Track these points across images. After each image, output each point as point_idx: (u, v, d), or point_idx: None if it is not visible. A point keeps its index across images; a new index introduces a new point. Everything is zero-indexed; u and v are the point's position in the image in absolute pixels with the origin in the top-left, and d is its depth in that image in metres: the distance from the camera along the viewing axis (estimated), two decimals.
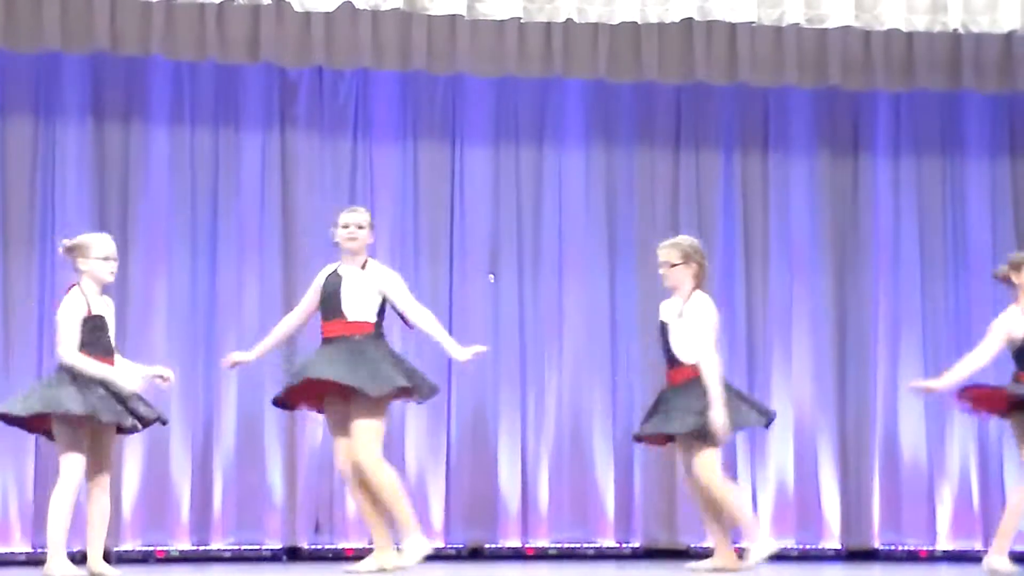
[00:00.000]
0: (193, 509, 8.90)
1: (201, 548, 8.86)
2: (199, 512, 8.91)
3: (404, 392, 7.33)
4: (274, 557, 8.92)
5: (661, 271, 7.73)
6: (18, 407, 6.91)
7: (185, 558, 8.75)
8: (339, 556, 8.89)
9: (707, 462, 7.51)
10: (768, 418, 7.82)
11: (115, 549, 8.61)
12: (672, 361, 7.68)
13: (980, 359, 7.80)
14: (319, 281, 7.45)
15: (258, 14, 8.57)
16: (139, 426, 7.03)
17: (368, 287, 7.33)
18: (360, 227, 7.37)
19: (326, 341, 7.32)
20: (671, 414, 7.58)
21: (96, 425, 6.85)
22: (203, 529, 8.91)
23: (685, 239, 7.84)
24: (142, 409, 6.98)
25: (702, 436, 7.49)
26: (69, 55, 8.67)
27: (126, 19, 8.48)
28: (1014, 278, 7.86)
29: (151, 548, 8.76)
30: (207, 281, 9.04)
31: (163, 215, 9.00)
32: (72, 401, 6.75)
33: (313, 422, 8.89)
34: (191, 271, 9.01)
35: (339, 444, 7.33)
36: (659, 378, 9.28)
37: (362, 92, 9.31)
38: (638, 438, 8.00)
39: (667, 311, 7.74)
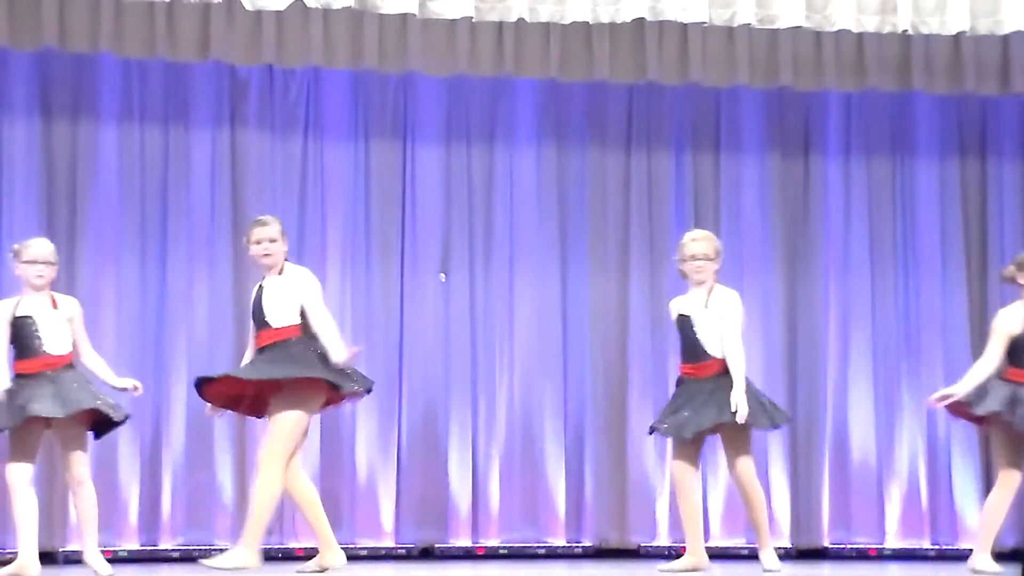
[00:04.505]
0: (142, 509, 8.86)
1: (150, 548, 8.83)
2: (148, 512, 8.87)
3: (335, 391, 7.23)
4: None
5: (695, 263, 7.80)
6: None
7: (134, 558, 8.70)
8: (289, 556, 8.86)
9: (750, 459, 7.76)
10: (784, 420, 8.00)
11: (62, 549, 8.57)
12: (699, 355, 7.76)
13: (990, 363, 7.73)
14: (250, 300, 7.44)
15: (208, 12, 8.52)
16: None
17: (286, 291, 7.26)
18: (272, 241, 7.28)
19: (259, 351, 7.30)
20: (722, 407, 7.65)
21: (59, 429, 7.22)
22: (152, 529, 8.88)
23: (712, 235, 8.02)
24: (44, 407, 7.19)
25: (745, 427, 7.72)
26: (16, 51, 8.59)
27: (75, 15, 8.41)
28: (1020, 279, 7.80)
29: (99, 548, 8.68)
30: (156, 280, 9.00)
31: (112, 214, 8.95)
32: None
33: (263, 423, 8.85)
34: (140, 270, 8.96)
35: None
36: (612, 378, 9.38)
37: (313, 91, 9.28)
38: (696, 434, 7.79)
39: (687, 305, 7.83)
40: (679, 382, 7.92)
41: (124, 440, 8.77)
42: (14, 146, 8.80)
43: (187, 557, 8.78)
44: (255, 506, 7.15)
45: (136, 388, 7.49)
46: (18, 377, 7.27)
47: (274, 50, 8.64)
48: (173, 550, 8.84)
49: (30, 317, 7.30)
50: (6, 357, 7.28)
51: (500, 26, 8.79)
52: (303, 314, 7.21)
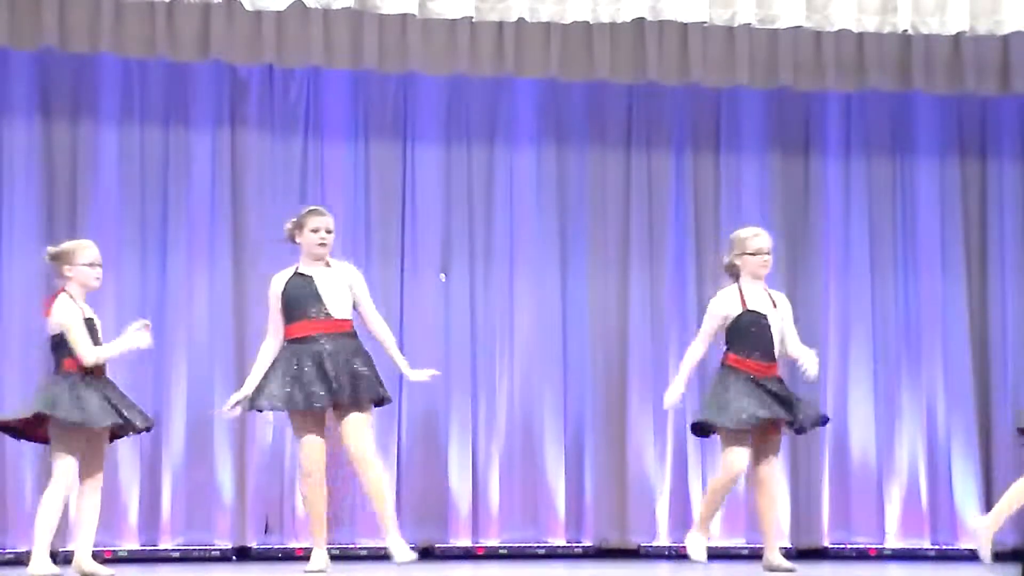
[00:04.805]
0: (142, 509, 8.86)
1: (150, 548, 8.83)
2: (148, 512, 8.87)
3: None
4: (223, 557, 8.88)
5: (763, 258, 7.83)
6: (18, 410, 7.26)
7: (133, 558, 8.70)
8: (289, 556, 8.86)
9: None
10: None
11: (62, 549, 8.55)
12: (771, 354, 7.77)
13: None
14: (277, 290, 7.51)
15: (208, 12, 8.53)
16: (131, 431, 7.39)
17: (341, 283, 7.42)
18: (329, 231, 7.52)
19: (299, 341, 7.35)
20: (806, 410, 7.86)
21: (92, 430, 7.15)
22: (152, 529, 8.87)
23: None
24: (135, 415, 7.28)
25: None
26: (16, 51, 8.59)
27: (75, 15, 8.41)
28: None
29: (99, 548, 8.68)
30: (156, 280, 9.00)
31: (112, 214, 8.95)
32: (69, 409, 7.04)
33: (263, 421, 8.86)
34: (140, 270, 8.96)
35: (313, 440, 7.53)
36: (612, 378, 9.37)
37: (313, 91, 9.28)
38: (799, 429, 7.94)
39: (755, 302, 7.78)
40: (728, 376, 7.77)
41: (124, 440, 8.71)
42: (14, 146, 8.80)
43: (187, 557, 8.79)
44: (381, 498, 7.44)
45: (146, 325, 7.32)
46: (86, 376, 7.18)
47: (274, 50, 8.66)
48: (173, 550, 8.84)
49: (92, 320, 7.28)
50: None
51: (500, 26, 8.80)
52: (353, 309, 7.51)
